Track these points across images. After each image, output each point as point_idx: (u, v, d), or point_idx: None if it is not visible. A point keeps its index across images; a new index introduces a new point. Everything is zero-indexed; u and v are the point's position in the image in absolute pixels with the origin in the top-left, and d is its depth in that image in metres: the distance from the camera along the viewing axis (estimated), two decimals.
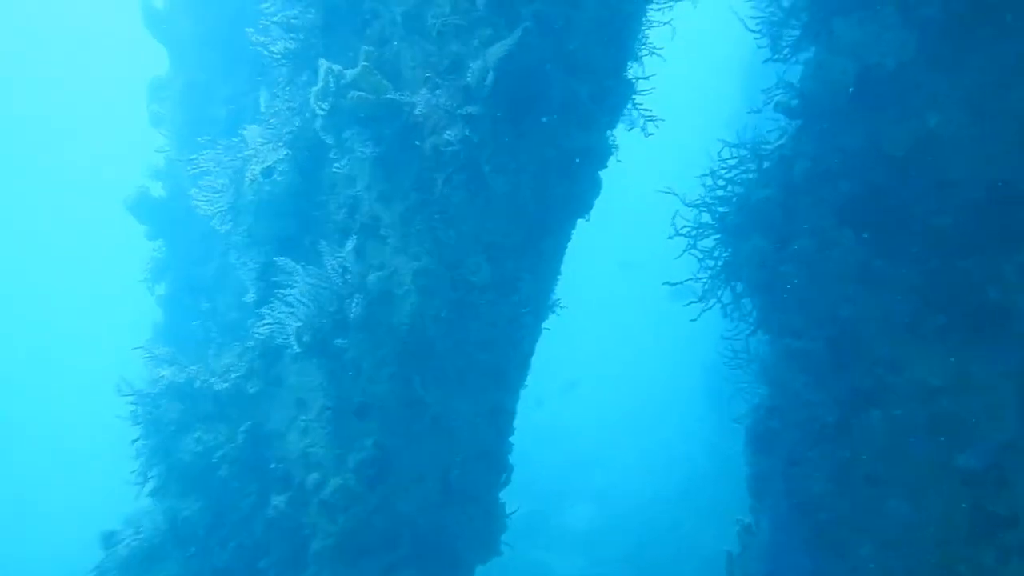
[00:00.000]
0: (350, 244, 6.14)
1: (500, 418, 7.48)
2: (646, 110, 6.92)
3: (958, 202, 5.85)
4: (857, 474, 6.21)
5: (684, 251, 6.91)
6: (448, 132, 5.53)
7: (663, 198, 7.47)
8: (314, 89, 5.45)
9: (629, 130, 7.11)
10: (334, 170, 6.00)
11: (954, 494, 5.81)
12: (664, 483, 21.12)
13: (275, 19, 6.09)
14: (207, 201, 6.39)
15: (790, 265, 6.57)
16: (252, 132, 6.33)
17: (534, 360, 7.53)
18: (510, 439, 7.78)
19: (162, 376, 7.09)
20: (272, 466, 7.05)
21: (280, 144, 6.21)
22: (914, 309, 6.15)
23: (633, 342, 36.91)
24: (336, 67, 5.46)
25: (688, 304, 7.37)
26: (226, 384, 7.09)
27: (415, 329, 6.16)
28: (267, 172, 6.18)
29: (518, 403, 7.65)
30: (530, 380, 7.62)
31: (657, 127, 6.97)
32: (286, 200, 6.31)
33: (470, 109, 5.46)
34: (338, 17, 6.14)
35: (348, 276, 6.05)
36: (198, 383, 7.20)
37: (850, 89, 6.07)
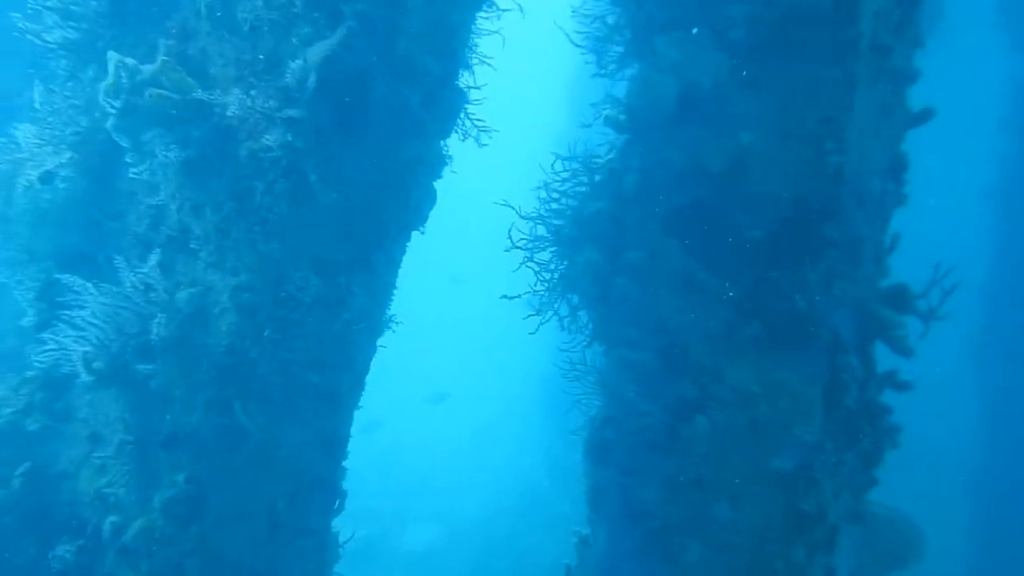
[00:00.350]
0: (155, 258, 5.49)
1: (332, 443, 7.03)
2: (479, 120, 6.84)
3: (769, 215, 6.25)
4: (685, 480, 6.43)
5: (521, 264, 6.87)
6: (267, 137, 5.10)
7: (497, 210, 7.44)
8: (103, 85, 4.80)
9: (463, 140, 7.00)
10: (131, 176, 5.33)
11: (770, 495, 6.16)
12: (504, 498, 21.25)
13: (49, 3, 5.32)
14: None
15: (623, 277, 6.73)
16: (25, 132, 5.50)
17: (369, 379, 7.19)
18: (343, 464, 7.35)
19: None
20: (59, 512, 6.14)
21: (63, 146, 5.43)
22: (731, 318, 6.49)
23: (467, 358, 37.07)
24: (130, 61, 4.86)
25: (526, 318, 7.37)
26: (0, 421, 6.09)
27: (234, 350, 5.61)
28: (46, 177, 5.38)
29: (352, 426, 7.25)
30: (364, 401, 7.26)
31: (491, 138, 6.91)
32: (72, 210, 5.53)
33: (291, 112, 5.07)
34: (130, 6, 5.49)
35: (153, 294, 5.40)
36: None
37: (672, 106, 6.32)
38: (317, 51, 4.91)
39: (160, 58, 4.82)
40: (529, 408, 24.51)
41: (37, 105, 5.48)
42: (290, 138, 5.10)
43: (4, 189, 5.39)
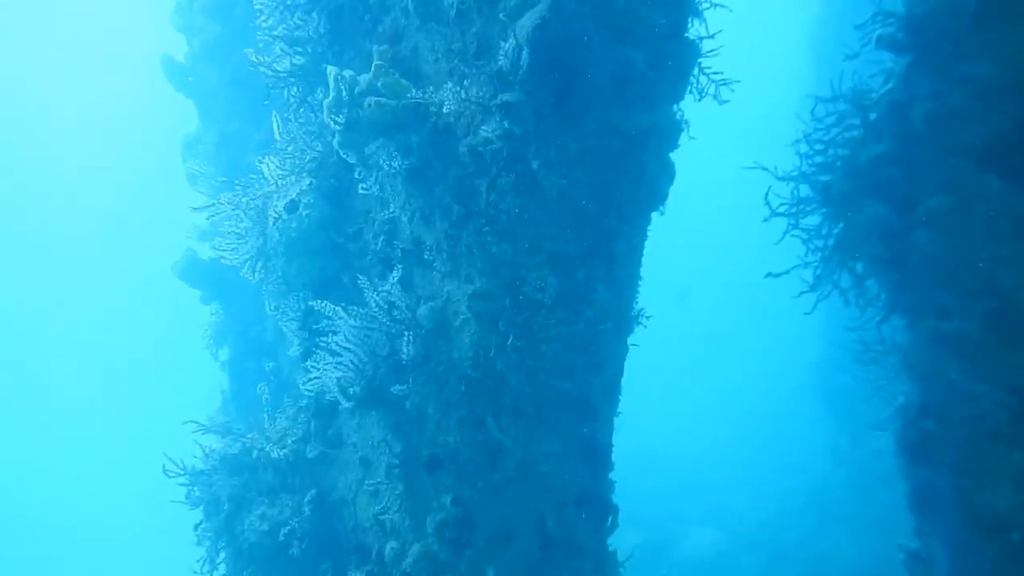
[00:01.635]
0: (394, 275, 5.42)
1: (594, 454, 6.57)
2: (716, 73, 5.98)
3: None
4: None
5: (784, 234, 5.87)
6: (485, 128, 4.77)
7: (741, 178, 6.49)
8: (326, 102, 4.79)
9: (698, 100, 6.18)
10: (361, 192, 5.31)
11: None
12: (785, 497, 19.50)
13: (276, 32, 5.49)
14: (231, 249, 5.81)
15: (923, 231, 5.45)
16: (270, 164, 5.74)
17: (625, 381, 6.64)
18: (610, 475, 6.86)
19: (213, 449, 6.51)
20: (345, 538, 6.36)
21: (302, 173, 5.59)
22: None
23: (723, 349, 35.20)
24: (347, 73, 4.79)
25: (798, 296, 6.33)
26: (284, 450, 6.46)
27: (480, 363, 5.36)
28: (291, 207, 5.55)
29: (613, 433, 6.75)
30: (624, 406, 6.72)
31: (733, 91, 6.01)
32: (317, 235, 5.67)
33: (506, 97, 4.68)
34: (345, 19, 5.50)
35: (396, 312, 5.32)
36: (255, 453, 6.60)
37: (973, 3, 4.97)
38: (526, 22, 4.47)
39: (374, 63, 4.69)
40: (802, 399, 22.49)
41: (276, 136, 5.71)
42: (507, 125, 4.71)
43: (259, 224, 5.69)
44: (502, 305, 5.20)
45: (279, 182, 5.67)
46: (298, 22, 5.43)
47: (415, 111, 4.93)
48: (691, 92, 6.23)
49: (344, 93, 4.73)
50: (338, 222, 5.80)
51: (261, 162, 5.76)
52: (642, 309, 6.75)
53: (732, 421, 26.61)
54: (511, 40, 4.54)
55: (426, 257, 5.37)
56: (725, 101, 6.31)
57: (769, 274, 6.16)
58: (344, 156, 5.04)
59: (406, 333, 5.31)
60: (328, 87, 4.84)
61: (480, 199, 5.08)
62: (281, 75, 5.54)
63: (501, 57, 4.62)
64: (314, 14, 5.40)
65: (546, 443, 6.05)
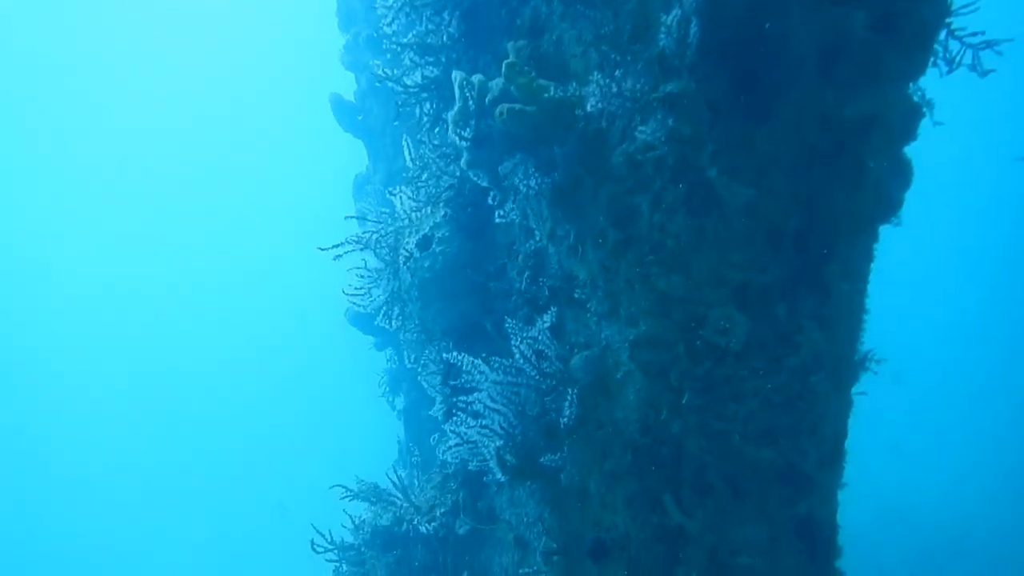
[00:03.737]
0: (544, 319, 4.69)
1: (814, 538, 5.35)
2: (972, 35, 4.69)
3: None
4: None
5: None
6: (643, 130, 3.93)
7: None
8: (450, 115, 4.21)
9: (945, 74, 4.91)
10: (498, 220, 4.65)
11: None
12: None
13: (404, 40, 5.03)
14: (359, 295, 5.38)
15: None
16: (401, 196, 5.28)
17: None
18: (837, 563, 5.60)
19: (364, 520, 6.09)
20: None
21: (438, 203, 5.06)
22: None
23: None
24: (477, 78, 4.20)
25: None
26: (433, 524, 5.90)
27: (650, 426, 4.46)
28: (423, 243, 5.04)
29: (838, 509, 5.51)
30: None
31: (1001, 54, 4.67)
32: (454, 275, 5.10)
33: (670, 87, 3.83)
34: (481, 18, 4.93)
35: (545, 363, 4.57)
36: (404, 525, 6.10)
37: None
38: None
39: (505, 62, 4.04)
40: None
41: (408, 162, 5.24)
42: (672, 123, 3.85)
43: (392, 264, 5.23)
44: (675, 353, 4.27)
45: (412, 215, 5.18)
46: (429, 26, 4.94)
47: (557, 116, 4.21)
48: (934, 64, 4.99)
49: (471, 102, 4.14)
50: (478, 258, 5.20)
51: (392, 194, 5.31)
52: (871, 351, 5.49)
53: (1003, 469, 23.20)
54: (675, 11, 3.68)
55: (578, 296, 4.59)
56: (988, 71, 4.97)
57: None
58: (475, 178, 4.43)
59: (560, 388, 4.54)
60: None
61: (642, 221, 4.23)
62: (411, 90, 5.08)
63: (663, 36, 3.78)
64: (445, 14, 4.89)
65: (745, 527, 4.96)
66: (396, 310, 5.41)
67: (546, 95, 4.00)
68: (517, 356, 4.52)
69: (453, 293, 5.16)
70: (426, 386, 5.63)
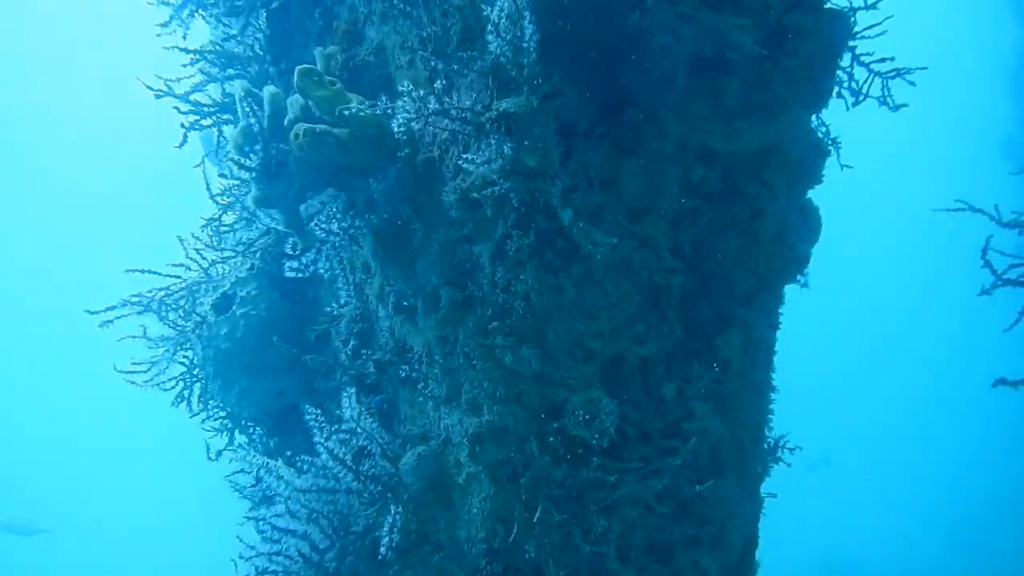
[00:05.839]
0: (366, 401, 3.81)
1: None
2: (880, 61, 4.15)
3: None
4: None
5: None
6: (474, 160, 3.15)
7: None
8: (231, 137, 3.36)
9: (850, 108, 4.36)
10: (288, 273, 3.78)
11: None
12: None
13: (204, 48, 4.17)
14: (145, 372, 4.37)
15: None
16: (198, 243, 4.35)
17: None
18: None
19: None
20: None
21: (248, 253, 4.15)
22: None
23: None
24: (270, 89, 3.37)
25: None
26: None
27: (498, 551, 3.57)
28: (222, 304, 4.11)
29: None
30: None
31: (914, 86, 4.14)
32: (264, 346, 4.16)
33: (506, 106, 3.06)
34: (293, 21, 4.12)
35: (368, 462, 3.67)
36: None
37: None
38: None
39: (298, 69, 3.22)
40: None
41: (211, 197, 4.32)
42: (510, 151, 3.07)
43: (185, 333, 4.26)
44: (527, 452, 3.43)
45: (214, 268, 4.27)
46: (229, 31, 4.11)
47: (374, 142, 3.41)
48: (839, 95, 4.43)
49: (256, 123, 3.28)
50: (298, 323, 4.29)
51: (185, 241, 4.38)
52: (782, 437, 4.79)
53: (943, 520, 24.73)
54: (505, 2, 2.94)
55: (407, 371, 3.73)
56: (900, 106, 4.44)
57: (1000, 381, 4.04)
58: (269, 220, 3.56)
59: (384, 499, 3.63)
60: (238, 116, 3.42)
61: (483, 277, 3.43)
62: (206, 110, 4.21)
63: (491, 38, 3.02)
64: (252, 17, 4.07)
65: None
66: (194, 391, 4.45)
67: (347, 112, 3.19)
68: (324, 455, 3.59)
69: (263, 368, 4.22)
70: (242, 488, 4.63)
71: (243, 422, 4.43)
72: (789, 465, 4.71)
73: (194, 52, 4.15)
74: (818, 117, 4.32)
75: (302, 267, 3.67)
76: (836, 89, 4.37)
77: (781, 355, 4.40)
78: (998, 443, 26.40)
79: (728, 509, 4.16)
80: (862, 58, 4.29)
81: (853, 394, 34.50)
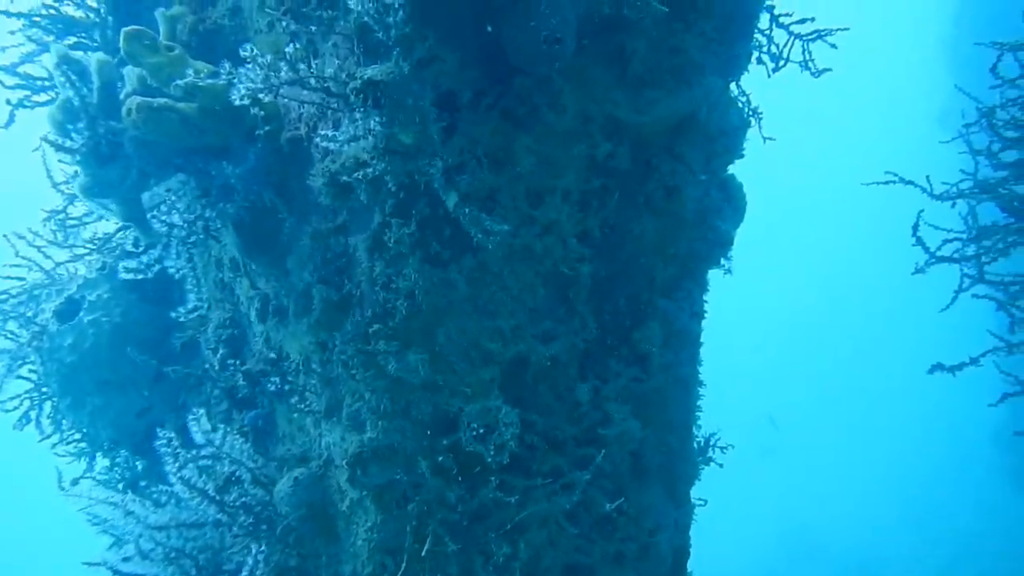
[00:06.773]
0: (239, 418, 3.38)
1: None
2: (800, 22, 3.87)
3: None
4: None
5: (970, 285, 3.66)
6: (341, 138, 2.73)
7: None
8: (48, 112, 2.88)
9: (772, 72, 4.08)
10: (123, 275, 3.32)
11: None
12: None
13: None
14: None
15: None
16: (40, 239, 3.84)
17: None
18: None
19: None
20: None
21: (104, 250, 3.67)
22: None
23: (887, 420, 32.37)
24: (98, 55, 2.89)
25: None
26: None
27: None
28: (66, 310, 3.62)
29: None
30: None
31: (835, 48, 3.87)
32: (119, 357, 3.68)
33: (371, 73, 2.65)
34: None
35: (236, 490, 3.24)
36: None
37: None
38: None
39: (124, 31, 2.75)
40: (983, 474, 22.04)
41: (53, 186, 3.79)
42: (379, 127, 2.66)
43: (26, 345, 3.76)
44: (416, 473, 3.04)
45: (59, 269, 3.77)
46: None
47: (231, 119, 2.96)
48: (759, 61, 4.14)
49: (77, 96, 2.80)
50: (164, 331, 3.81)
51: (25, 239, 3.86)
52: (713, 435, 4.53)
53: (905, 499, 25.89)
54: None
55: (286, 386, 3.31)
56: (823, 71, 4.17)
57: (937, 366, 3.83)
58: (101, 211, 3.09)
59: (256, 534, 3.21)
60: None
61: (360, 273, 3.02)
62: (38, 84, 3.68)
63: None
64: None
65: None
66: (47, 411, 3.95)
67: (183, 83, 2.74)
68: (177, 487, 3.15)
69: (120, 383, 3.74)
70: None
71: (103, 444, 3.95)
72: (721, 466, 4.46)
73: (23, 17, 3.63)
74: (738, 86, 4.03)
75: (142, 266, 3.20)
76: (755, 54, 4.12)
77: (708, 346, 4.12)
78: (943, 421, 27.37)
79: (654, 519, 3.85)
80: (780, 19, 4.02)
81: (792, 381, 34.86)
